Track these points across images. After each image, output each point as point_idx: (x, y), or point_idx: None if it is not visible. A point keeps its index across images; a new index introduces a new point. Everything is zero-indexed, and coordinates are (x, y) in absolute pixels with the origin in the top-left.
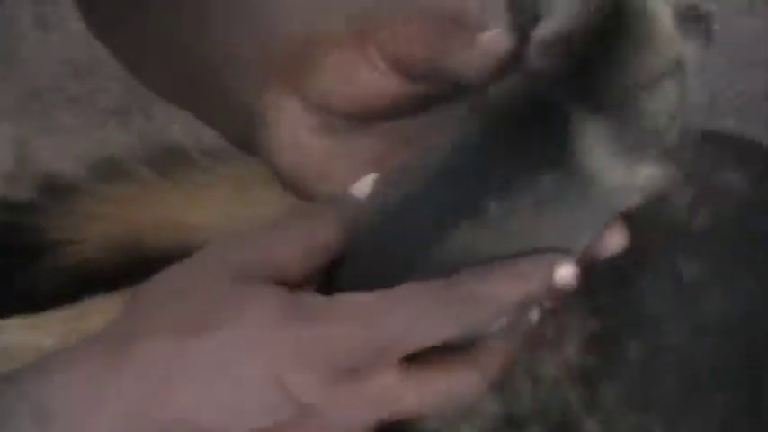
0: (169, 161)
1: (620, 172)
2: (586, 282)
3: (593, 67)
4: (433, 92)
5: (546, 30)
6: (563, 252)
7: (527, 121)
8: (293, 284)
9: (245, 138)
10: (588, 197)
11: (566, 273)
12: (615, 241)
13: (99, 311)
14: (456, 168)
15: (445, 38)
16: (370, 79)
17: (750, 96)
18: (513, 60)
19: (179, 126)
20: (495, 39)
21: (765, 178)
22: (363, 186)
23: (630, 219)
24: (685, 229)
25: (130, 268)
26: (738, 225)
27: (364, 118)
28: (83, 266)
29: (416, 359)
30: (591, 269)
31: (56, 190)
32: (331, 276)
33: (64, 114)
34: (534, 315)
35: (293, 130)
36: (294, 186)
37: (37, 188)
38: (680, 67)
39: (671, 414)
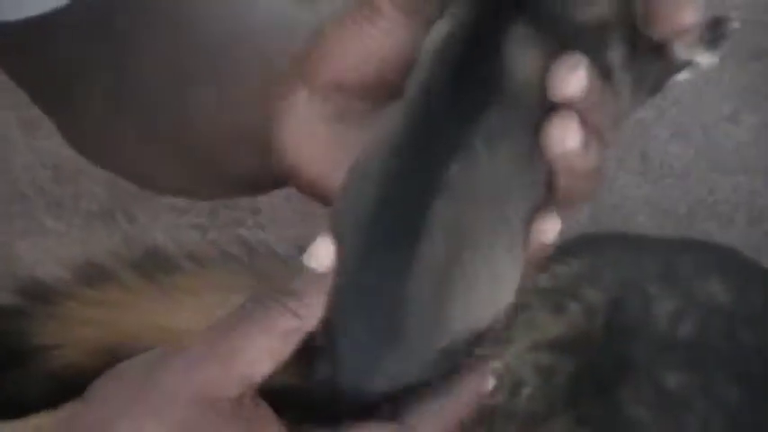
0: (152, 265)
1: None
2: (571, 391)
3: None
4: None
5: None
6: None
7: (463, 57)
8: (262, 382)
9: (256, 162)
10: (523, 119)
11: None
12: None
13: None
14: (415, 130)
15: None
16: (381, 34)
17: (732, 204)
18: None
19: (162, 230)
20: None
21: (748, 289)
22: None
23: (614, 328)
24: (669, 340)
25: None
26: (724, 337)
27: (378, 93)
28: (67, 371)
29: None
30: (575, 379)
31: (39, 294)
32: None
33: (47, 217)
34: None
35: (307, 122)
36: (314, 185)
37: (21, 292)
38: None
39: None
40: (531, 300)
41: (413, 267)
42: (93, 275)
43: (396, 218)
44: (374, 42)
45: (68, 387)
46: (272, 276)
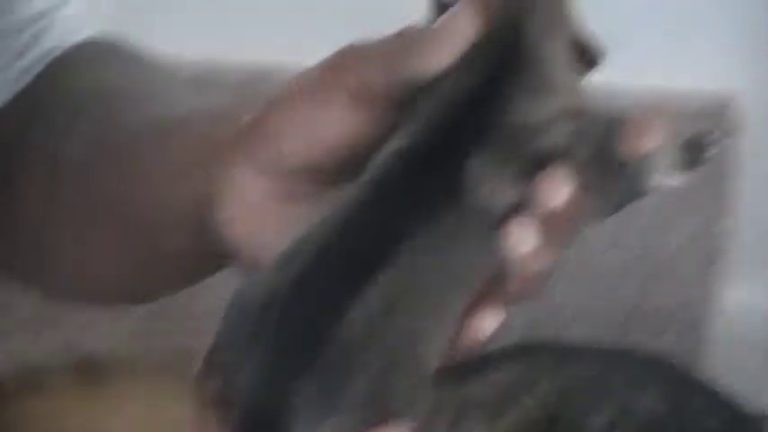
0: (89, 372)
1: (508, 195)
2: None
3: (488, 108)
4: (388, 123)
5: None
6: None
7: (420, 167)
8: None
9: (196, 250)
10: (483, 224)
11: None
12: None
13: None
14: (359, 223)
15: (401, 51)
16: (327, 123)
17: (666, 312)
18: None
19: (98, 337)
20: (451, 20)
21: (683, 399)
22: None
23: None
24: None
25: None
26: None
27: (319, 178)
28: None
29: None
30: None
31: None
32: None
33: None
34: None
35: (246, 198)
36: (250, 263)
37: None
38: (576, 113)
39: None
40: (469, 410)
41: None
42: (27, 382)
43: (328, 282)
44: (323, 128)
45: None
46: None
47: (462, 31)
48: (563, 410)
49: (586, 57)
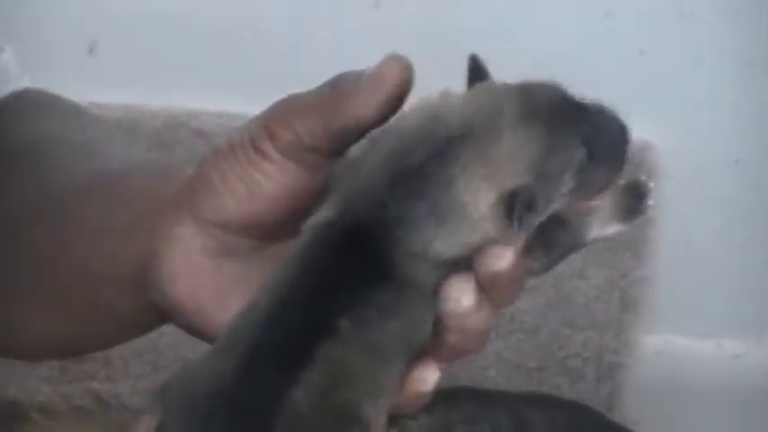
0: (9, 418)
1: (429, 275)
2: None
3: (407, 225)
4: (322, 174)
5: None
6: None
7: (350, 243)
8: None
9: (136, 310)
10: (412, 293)
11: None
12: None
13: None
14: (295, 292)
15: (333, 101)
16: (266, 177)
17: (582, 358)
18: (401, 89)
19: (15, 383)
20: (383, 69)
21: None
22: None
23: None
24: None
25: None
26: None
27: (264, 231)
28: None
29: None
30: None
31: None
32: None
33: None
34: None
35: (188, 254)
36: (192, 319)
37: None
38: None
39: None
40: None
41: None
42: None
43: (271, 365)
44: (258, 184)
45: None
46: (124, 429)
47: (392, 76)
48: None
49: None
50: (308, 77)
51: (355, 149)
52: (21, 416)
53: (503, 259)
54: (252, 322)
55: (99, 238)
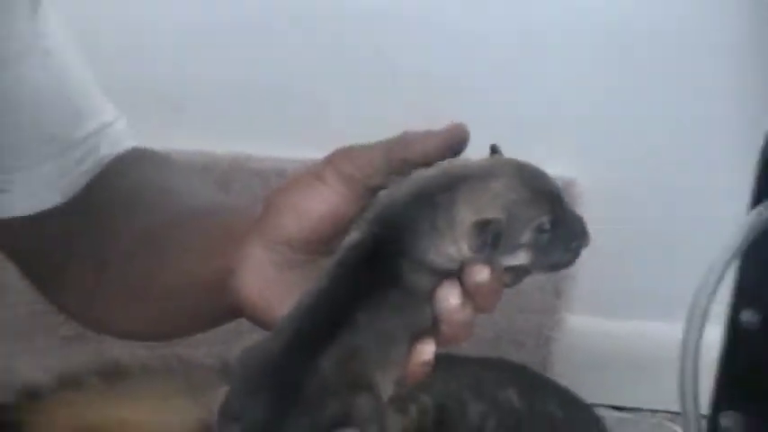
0: (113, 374)
1: (423, 282)
2: None
3: (411, 237)
4: (360, 206)
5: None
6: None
7: (366, 264)
8: None
9: (216, 309)
10: (408, 298)
11: None
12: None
13: None
14: (326, 297)
15: (403, 141)
16: (324, 204)
17: (525, 332)
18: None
19: (121, 346)
20: (450, 126)
21: (536, 396)
22: None
23: (440, 424)
24: (477, 428)
25: None
26: (516, 428)
27: (315, 247)
28: None
29: None
30: None
31: (29, 395)
32: None
33: (39, 339)
34: None
35: (258, 267)
36: (261, 315)
37: (16, 393)
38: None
39: None
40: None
41: (319, 370)
42: (69, 382)
43: (308, 344)
44: (313, 206)
45: None
46: (200, 384)
47: (456, 130)
48: (450, 403)
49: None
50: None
51: (382, 193)
52: (122, 373)
53: (482, 274)
54: (295, 315)
55: (183, 260)
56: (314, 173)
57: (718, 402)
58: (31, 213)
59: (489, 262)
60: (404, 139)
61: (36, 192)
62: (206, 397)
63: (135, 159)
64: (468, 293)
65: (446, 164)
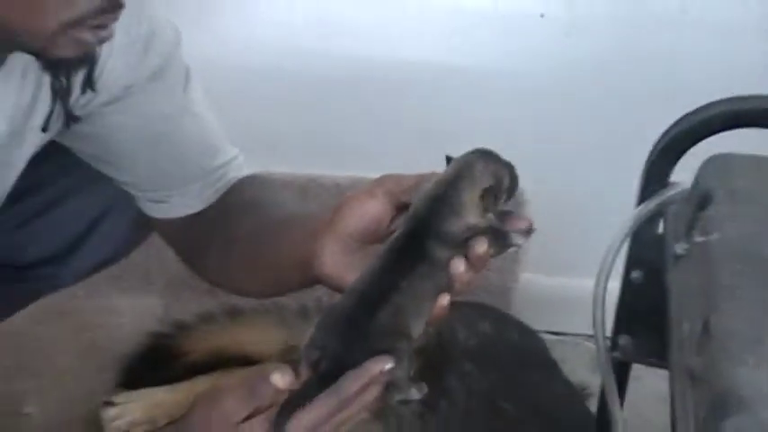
0: (234, 313)
1: (443, 254)
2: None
3: (439, 221)
4: (397, 213)
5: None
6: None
7: (406, 248)
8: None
9: (302, 279)
10: (434, 269)
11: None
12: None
13: (201, 384)
14: (381, 270)
15: (419, 179)
16: (371, 208)
17: (492, 285)
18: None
19: (237, 298)
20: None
21: (498, 324)
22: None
23: (439, 344)
24: (464, 349)
25: (217, 365)
26: (489, 347)
27: (366, 239)
28: (196, 364)
29: None
30: (421, 369)
31: (179, 327)
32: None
33: (185, 292)
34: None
35: (333, 252)
36: (335, 282)
37: (170, 326)
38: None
39: None
40: None
41: (375, 319)
42: (206, 318)
43: (363, 309)
44: (368, 211)
45: (195, 371)
46: (288, 320)
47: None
48: (445, 331)
49: (500, 241)
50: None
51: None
52: (239, 312)
53: (482, 245)
54: (360, 283)
55: (282, 248)
56: (367, 191)
57: (617, 328)
58: (183, 216)
59: (494, 213)
60: (423, 175)
61: (187, 202)
62: (292, 329)
63: (250, 181)
64: (470, 263)
65: (437, 175)
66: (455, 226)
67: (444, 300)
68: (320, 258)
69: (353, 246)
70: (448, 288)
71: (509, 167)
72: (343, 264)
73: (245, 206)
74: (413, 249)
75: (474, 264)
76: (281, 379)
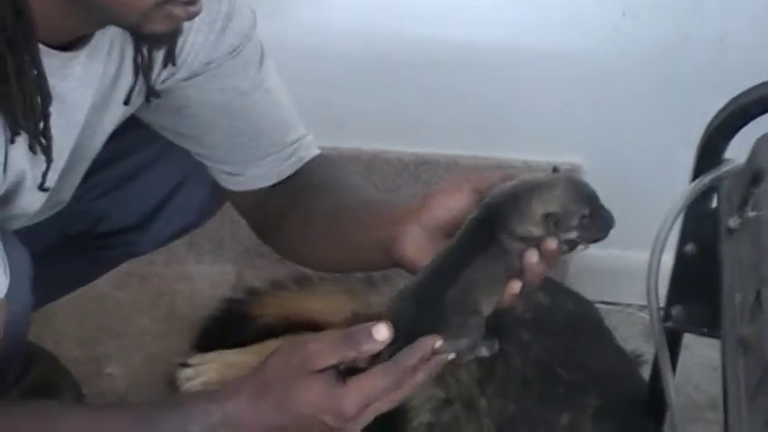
0: (303, 281)
1: (514, 245)
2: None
3: (506, 218)
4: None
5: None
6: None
7: (480, 231)
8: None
9: (380, 261)
10: (505, 254)
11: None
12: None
13: (271, 346)
14: (456, 248)
15: (506, 176)
16: (458, 202)
17: None
18: None
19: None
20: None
21: (553, 294)
22: None
23: (497, 315)
24: (521, 317)
25: (286, 330)
26: (545, 317)
27: (449, 231)
28: (267, 328)
29: None
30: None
31: (252, 293)
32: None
33: (258, 260)
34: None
35: (416, 239)
36: (414, 266)
37: (243, 292)
38: (543, 222)
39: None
40: None
41: (449, 292)
42: (277, 285)
43: (439, 281)
44: (455, 205)
45: (266, 334)
46: (354, 289)
47: None
48: None
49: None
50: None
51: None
52: (308, 280)
53: (552, 244)
54: (432, 263)
55: (363, 229)
56: (455, 185)
57: (670, 299)
58: (256, 189)
59: (555, 237)
60: (509, 173)
61: (260, 176)
62: (358, 297)
63: (323, 162)
64: (542, 256)
65: (527, 177)
66: (519, 228)
67: (516, 287)
68: (403, 243)
69: (437, 235)
70: (519, 276)
71: (595, 208)
72: (424, 250)
73: (322, 186)
74: (485, 232)
75: (546, 258)
76: (382, 331)
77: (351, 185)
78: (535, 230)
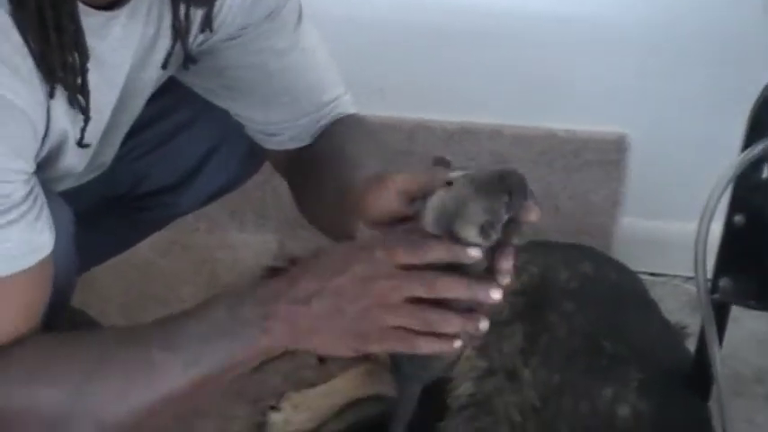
0: (294, 260)
1: (477, 239)
2: (523, 309)
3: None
4: (407, 212)
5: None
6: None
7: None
8: None
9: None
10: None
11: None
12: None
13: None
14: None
15: (430, 178)
16: (386, 203)
17: (596, 228)
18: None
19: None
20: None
21: (602, 266)
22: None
23: (542, 282)
24: (566, 289)
25: None
26: (590, 287)
27: (384, 224)
28: None
29: None
30: (524, 306)
31: (294, 261)
32: None
33: (302, 230)
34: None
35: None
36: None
37: (288, 260)
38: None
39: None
40: None
41: None
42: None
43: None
44: (384, 208)
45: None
46: None
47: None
48: (548, 271)
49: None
50: None
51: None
52: (301, 259)
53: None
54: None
55: (356, 197)
56: (384, 187)
57: (718, 271)
58: (293, 149)
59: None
60: (434, 175)
61: (297, 135)
62: None
63: (353, 122)
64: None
65: (444, 180)
66: (467, 233)
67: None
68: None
69: (371, 227)
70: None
71: (509, 186)
72: (367, 233)
73: (331, 155)
74: None
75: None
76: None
77: (353, 159)
78: (481, 240)
